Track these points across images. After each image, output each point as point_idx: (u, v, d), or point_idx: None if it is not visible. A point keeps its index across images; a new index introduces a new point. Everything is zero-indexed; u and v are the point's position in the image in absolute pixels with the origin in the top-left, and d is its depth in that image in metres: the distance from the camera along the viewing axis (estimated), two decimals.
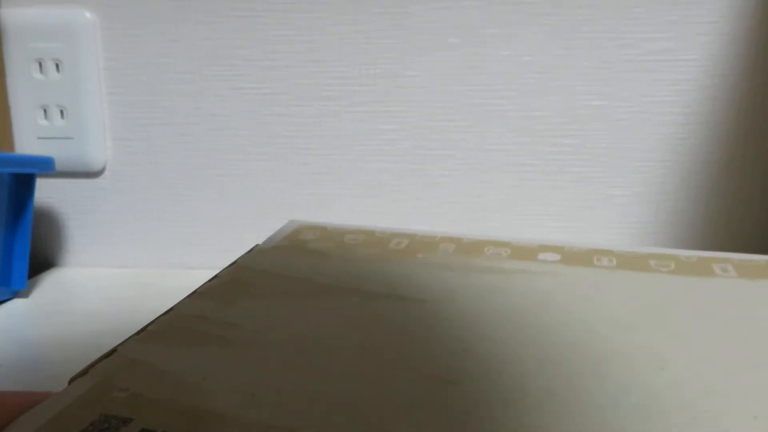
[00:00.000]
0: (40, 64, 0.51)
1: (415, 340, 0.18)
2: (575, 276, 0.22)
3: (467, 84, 0.50)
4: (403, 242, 0.25)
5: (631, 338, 0.17)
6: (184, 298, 0.21)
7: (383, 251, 0.25)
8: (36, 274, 0.53)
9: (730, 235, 0.51)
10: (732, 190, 0.51)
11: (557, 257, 0.23)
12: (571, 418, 0.14)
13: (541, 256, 0.23)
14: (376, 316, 0.19)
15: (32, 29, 0.50)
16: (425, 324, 0.19)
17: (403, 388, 0.15)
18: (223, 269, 0.23)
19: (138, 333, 0.18)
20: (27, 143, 0.52)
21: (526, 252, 0.24)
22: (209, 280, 0.22)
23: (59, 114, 0.51)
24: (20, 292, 0.47)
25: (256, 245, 0.26)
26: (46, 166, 0.46)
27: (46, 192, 0.54)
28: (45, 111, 0.51)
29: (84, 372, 0.16)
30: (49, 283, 0.51)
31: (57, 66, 0.51)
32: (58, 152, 0.50)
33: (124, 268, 0.55)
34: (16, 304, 0.45)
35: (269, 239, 0.26)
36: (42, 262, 0.55)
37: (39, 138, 0.52)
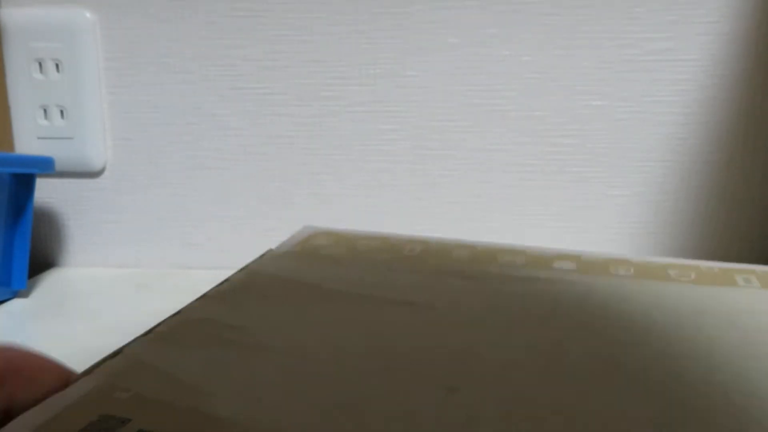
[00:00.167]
0: (40, 64, 0.51)
1: (424, 348, 0.17)
2: (591, 285, 0.21)
3: (467, 84, 0.50)
4: (417, 249, 0.25)
5: (649, 349, 0.17)
6: (193, 301, 0.21)
7: (396, 257, 0.24)
8: (36, 274, 0.53)
9: (729, 235, 0.51)
10: (732, 190, 0.50)
11: (573, 266, 0.23)
12: None
13: (557, 264, 0.23)
14: (385, 322, 0.19)
15: (32, 29, 0.50)
16: (435, 331, 0.18)
17: (410, 395, 0.15)
18: (234, 273, 0.23)
19: (145, 334, 0.18)
20: (27, 143, 0.52)
21: (541, 260, 0.23)
22: (219, 284, 0.22)
23: (59, 114, 0.51)
24: (20, 292, 0.47)
25: (269, 250, 0.26)
26: (46, 166, 0.46)
27: (46, 192, 0.54)
28: (45, 111, 0.51)
29: (88, 371, 0.16)
30: (49, 283, 0.51)
31: (57, 66, 0.51)
32: (58, 152, 0.50)
33: (124, 268, 0.55)
34: (16, 304, 0.45)
35: (282, 244, 0.26)
36: (42, 262, 0.55)
37: (39, 138, 0.52)
